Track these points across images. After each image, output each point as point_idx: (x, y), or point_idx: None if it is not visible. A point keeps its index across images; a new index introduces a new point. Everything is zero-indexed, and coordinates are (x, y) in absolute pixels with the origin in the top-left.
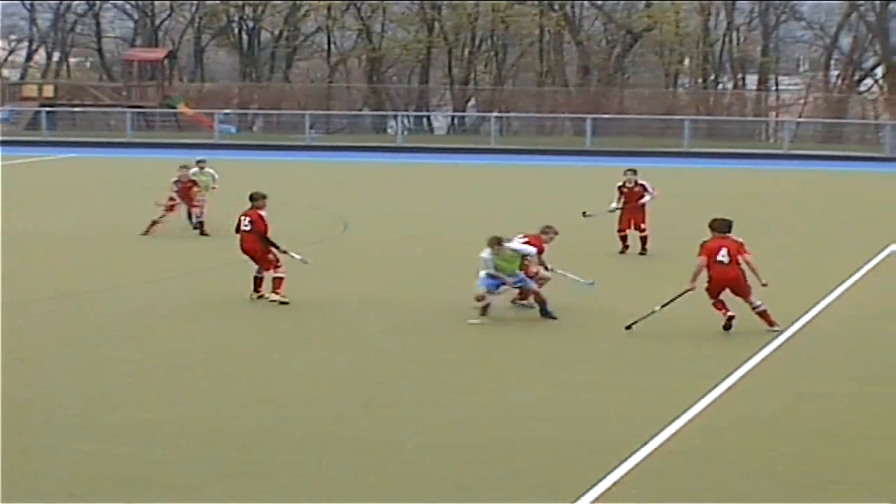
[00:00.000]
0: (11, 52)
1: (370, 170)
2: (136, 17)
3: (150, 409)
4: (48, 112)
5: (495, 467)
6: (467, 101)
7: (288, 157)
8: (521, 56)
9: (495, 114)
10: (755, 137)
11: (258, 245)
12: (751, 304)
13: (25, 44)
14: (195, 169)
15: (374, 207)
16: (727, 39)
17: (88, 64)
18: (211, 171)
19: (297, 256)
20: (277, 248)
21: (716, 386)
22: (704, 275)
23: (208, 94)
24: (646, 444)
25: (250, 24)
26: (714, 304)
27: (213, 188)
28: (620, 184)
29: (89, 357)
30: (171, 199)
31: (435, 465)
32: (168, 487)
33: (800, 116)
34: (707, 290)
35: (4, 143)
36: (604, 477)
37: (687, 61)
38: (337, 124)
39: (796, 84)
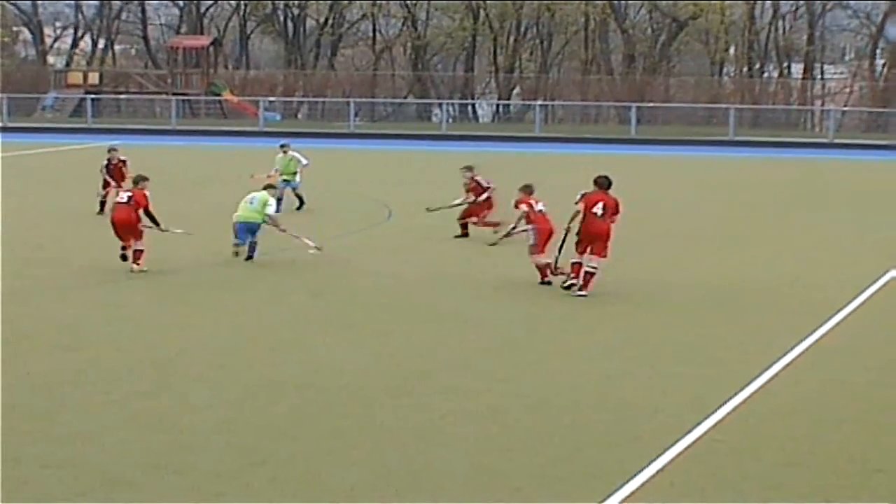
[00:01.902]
0: (57, 39)
1: (414, 158)
2: (181, 4)
3: (186, 395)
4: (93, 99)
5: (534, 455)
6: (512, 90)
7: (332, 144)
8: (567, 44)
9: (540, 102)
10: (800, 126)
11: (132, 216)
12: (594, 264)
13: (71, 31)
14: (280, 154)
15: (418, 195)
16: (773, 28)
17: (134, 51)
18: (295, 153)
19: (179, 231)
20: (158, 224)
21: (757, 375)
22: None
23: (253, 81)
24: (689, 432)
25: (295, 11)
26: (573, 265)
27: (300, 169)
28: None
29: (128, 343)
30: (106, 181)
31: (472, 454)
32: (202, 474)
33: (845, 105)
34: (578, 240)
35: (50, 129)
36: (646, 466)
37: (732, 50)
38: (381, 112)
39: (841, 73)
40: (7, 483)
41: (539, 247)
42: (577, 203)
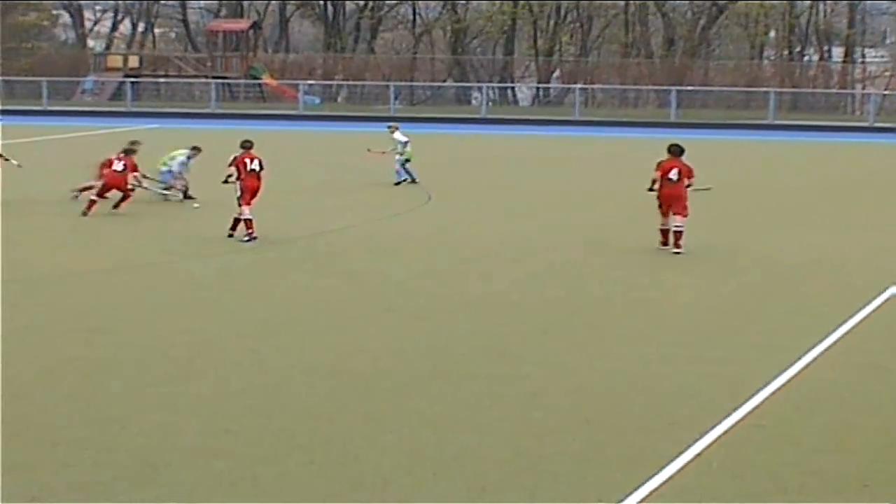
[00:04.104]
0: (97, 22)
1: (453, 141)
2: None
3: (222, 380)
4: (133, 83)
5: (571, 440)
6: (552, 73)
7: (372, 128)
8: (606, 27)
9: (579, 85)
10: (840, 110)
11: (125, 180)
12: (679, 223)
13: (111, 14)
14: (397, 134)
15: (457, 179)
16: (813, 11)
17: (173, 35)
18: (398, 135)
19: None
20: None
21: (795, 359)
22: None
23: (292, 65)
24: (726, 417)
25: None
26: (661, 231)
27: (398, 152)
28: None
29: (163, 327)
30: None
31: (509, 438)
32: (239, 458)
33: (885, 89)
34: (658, 205)
35: (89, 113)
36: (683, 451)
37: (772, 33)
38: (421, 95)
39: (882, 56)
40: (46, 466)
41: None
42: (655, 171)
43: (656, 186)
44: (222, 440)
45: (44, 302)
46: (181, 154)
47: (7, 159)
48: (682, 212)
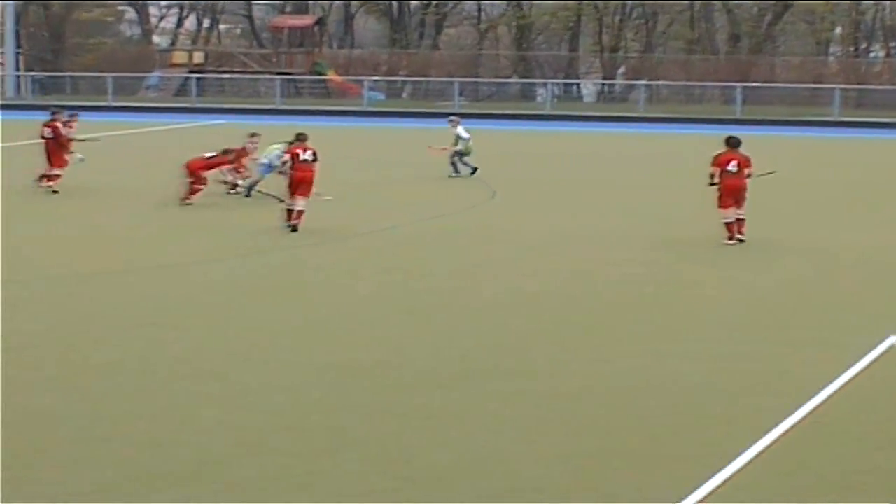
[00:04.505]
0: (162, 18)
1: (518, 137)
2: None
3: (274, 376)
4: (197, 79)
5: (628, 438)
6: (616, 69)
7: (436, 124)
8: (672, 24)
9: (644, 82)
10: None
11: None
12: (739, 212)
13: (176, 10)
14: (459, 128)
15: (522, 175)
16: (879, 7)
17: (238, 31)
18: (458, 129)
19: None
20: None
21: (861, 356)
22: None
23: (357, 61)
24: (789, 415)
25: None
26: (725, 225)
27: (457, 146)
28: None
29: (216, 322)
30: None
31: (565, 435)
32: (292, 454)
33: None
34: (719, 198)
35: (154, 109)
36: (743, 449)
37: (838, 29)
38: (485, 91)
39: None
40: (101, 461)
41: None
42: (712, 165)
43: (716, 180)
44: (276, 436)
45: (100, 297)
46: (278, 147)
47: (73, 151)
48: (742, 203)
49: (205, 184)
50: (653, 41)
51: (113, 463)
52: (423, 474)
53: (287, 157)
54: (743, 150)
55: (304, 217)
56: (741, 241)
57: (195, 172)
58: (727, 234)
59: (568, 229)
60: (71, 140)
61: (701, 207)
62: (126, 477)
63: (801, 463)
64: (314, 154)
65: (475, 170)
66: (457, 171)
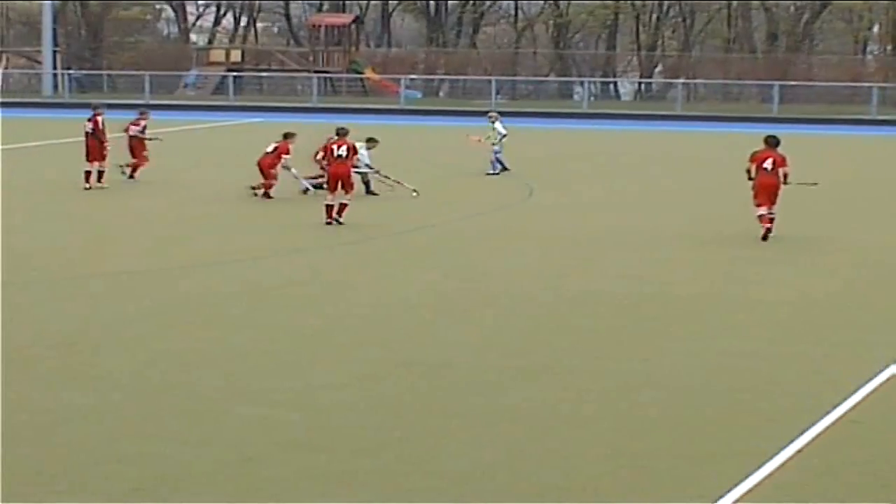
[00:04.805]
0: (199, 16)
1: (555, 136)
2: None
3: (323, 374)
4: (235, 77)
5: (668, 437)
6: (654, 68)
7: (473, 122)
8: (709, 22)
9: (682, 80)
10: None
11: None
12: (770, 210)
13: (213, 8)
14: (498, 124)
15: (559, 173)
16: None
17: (276, 29)
18: (497, 125)
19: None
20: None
21: (893, 357)
22: None
23: (394, 59)
24: (826, 413)
25: None
26: (759, 217)
27: (494, 142)
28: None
29: (264, 321)
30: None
31: (605, 434)
32: (337, 453)
33: None
34: (753, 194)
35: (191, 107)
36: (783, 447)
37: (876, 28)
38: (522, 90)
39: None
40: (136, 459)
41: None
42: (749, 161)
43: (752, 175)
44: (319, 434)
45: (144, 294)
46: (359, 147)
47: (152, 139)
48: (775, 200)
49: (275, 179)
50: (690, 39)
51: (149, 461)
52: (466, 473)
53: (322, 153)
54: (780, 150)
55: (346, 210)
56: (765, 238)
57: (266, 170)
58: (763, 227)
59: (607, 228)
60: (141, 137)
61: (741, 206)
62: (161, 475)
63: (842, 461)
64: (349, 149)
65: (506, 168)
66: (503, 167)
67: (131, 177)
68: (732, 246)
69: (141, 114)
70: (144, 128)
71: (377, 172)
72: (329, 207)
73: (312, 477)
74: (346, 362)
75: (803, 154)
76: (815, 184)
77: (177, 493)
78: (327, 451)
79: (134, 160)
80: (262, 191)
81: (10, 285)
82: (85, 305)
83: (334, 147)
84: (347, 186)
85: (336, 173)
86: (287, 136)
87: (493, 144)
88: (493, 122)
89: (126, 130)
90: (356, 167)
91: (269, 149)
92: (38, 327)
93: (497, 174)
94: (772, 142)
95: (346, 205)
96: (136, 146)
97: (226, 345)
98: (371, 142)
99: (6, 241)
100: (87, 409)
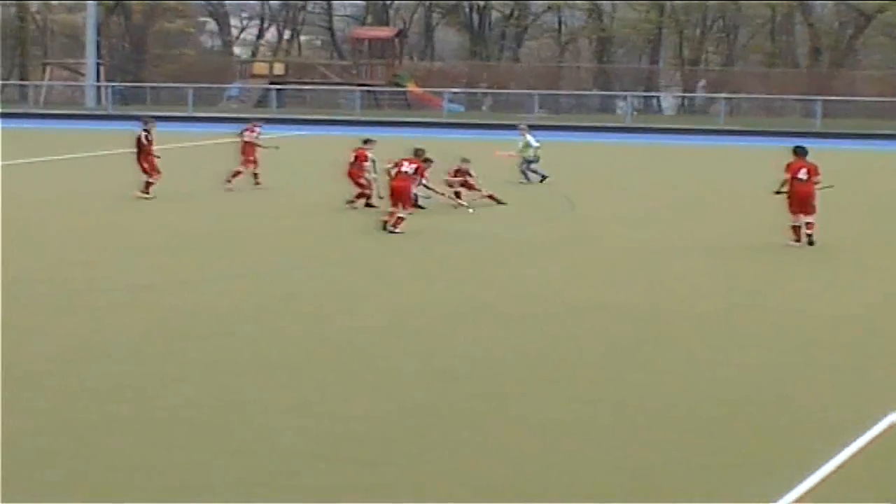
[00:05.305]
0: (243, 29)
1: (598, 150)
2: None
3: (355, 383)
4: (278, 90)
5: (702, 449)
6: (697, 82)
7: (515, 136)
8: (752, 37)
9: (724, 95)
10: None
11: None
12: (807, 217)
13: (257, 22)
14: (527, 137)
15: (601, 187)
16: None
17: (319, 42)
18: (527, 137)
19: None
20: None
21: None
22: None
23: (437, 73)
24: (869, 425)
25: (481, 2)
26: (792, 228)
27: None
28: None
29: (296, 333)
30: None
31: (622, 447)
32: (371, 461)
33: None
34: (788, 204)
35: (234, 120)
36: (825, 460)
37: None
38: (565, 104)
39: None
40: (175, 468)
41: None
42: (784, 173)
43: (785, 188)
44: (354, 444)
45: (178, 305)
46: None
47: (266, 147)
48: (811, 209)
49: (368, 188)
50: (733, 54)
51: (187, 469)
52: (501, 483)
53: (391, 165)
54: (824, 166)
55: (402, 223)
56: (811, 243)
57: (356, 181)
58: (793, 237)
59: (650, 241)
60: (256, 144)
61: (783, 219)
62: (200, 484)
63: (885, 473)
64: (417, 169)
65: (544, 177)
66: (527, 178)
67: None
68: (778, 258)
69: (255, 123)
70: (251, 136)
71: (441, 194)
72: (389, 215)
73: (346, 488)
74: (378, 371)
75: (846, 168)
76: (832, 186)
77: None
78: (366, 462)
79: (244, 167)
80: (362, 201)
81: (49, 295)
82: (119, 316)
83: (404, 163)
84: (405, 201)
85: (397, 187)
86: (366, 142)
87: (524, 155)
88: (523, 135)
89: (241, 136)
90: (426, 186)
91: (351, 159)
92: (70, 339)
93: (540, 181)
94: (801, 152)
95: (402, 218)
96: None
97: (257, 354)
98: (427, 162)
99: (52, 252)
100: (119, 419)
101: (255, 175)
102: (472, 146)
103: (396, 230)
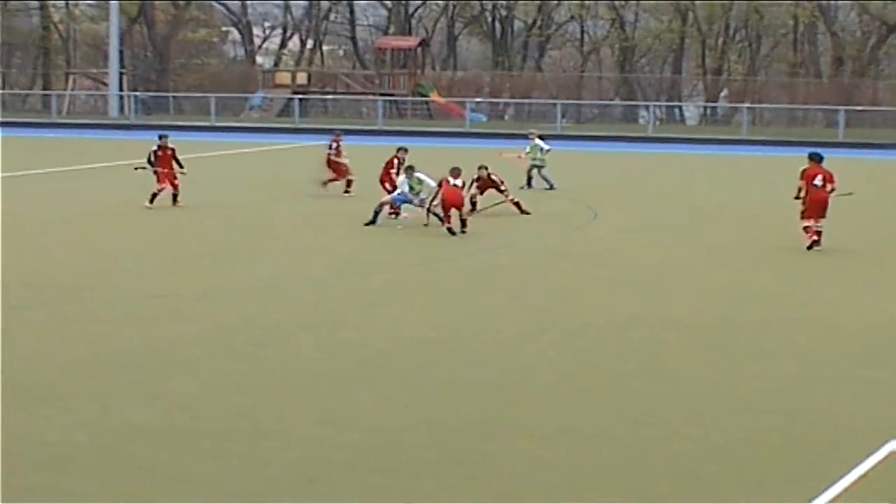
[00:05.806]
0: (266, 39)
1: (621, 160)
2: (389, 5)
3: (385, 395)
4: (300, 99)
5: (732, 460)
6: (719, 92)
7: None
8: (775, 47)
9: (747, 104)
10: None
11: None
12: (818, 223)
13: (279, 31)
14: (537, 141)
15: (624, 197)
16: None
17: (342, 52)
18: (540, 142)
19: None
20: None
21: None
22: None
23: (460, 82)
24: (892, 436)
25: (503, 12)
26: (804, 229)
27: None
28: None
29: (328, 342)
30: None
31: (668, 457)
32: (398, 473)
33: None
34: (804, 209)
35: (257, 129)
36: (848, 471)
37: None
38: (588, 114)
39: None
40: (204, 477)
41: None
42: (800, 179)
43: (802, 194)
44: (381, 454)
45: (204, 316)
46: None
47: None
48: (824, 214)
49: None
50: (756, 64)
51: (215, 479)
52: (528, 494)
53: (434, 184)
54: (845, 175)
55: (467, 223)
56: (816, 248)
57: (387, 188)
58: (809, 237)
59: (675, 251)
60: (338, 157)
61: (801, 231)
62: (227, 493)
63: None
64: (464, 184)
65: (552, 186)
66: (529, 185)
67: (324, 185)
68: (808, 266)
69: (336, 135)
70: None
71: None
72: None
73: (370, 498)
74: (407, 382)
75: (869, 177)
76: (851, 193)
77: None
78: (388, 471)
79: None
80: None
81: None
82: (146, 326)
83: (449, 178)
84: (460, 208)
85: (451, 200)
86: (400, 150)
87: (533, 160)
88: (532, 140)
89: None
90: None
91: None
92: (98, 346)
93: (548, 188)
94: (816, 158)
95: (464, 219)
96: (336, 166)
97: (288, 366)
98: (409, 170)
99: (71, 263)
100: (148, 428)
101: (349, 182)
102: (495, 156)
103: (466, 229)
